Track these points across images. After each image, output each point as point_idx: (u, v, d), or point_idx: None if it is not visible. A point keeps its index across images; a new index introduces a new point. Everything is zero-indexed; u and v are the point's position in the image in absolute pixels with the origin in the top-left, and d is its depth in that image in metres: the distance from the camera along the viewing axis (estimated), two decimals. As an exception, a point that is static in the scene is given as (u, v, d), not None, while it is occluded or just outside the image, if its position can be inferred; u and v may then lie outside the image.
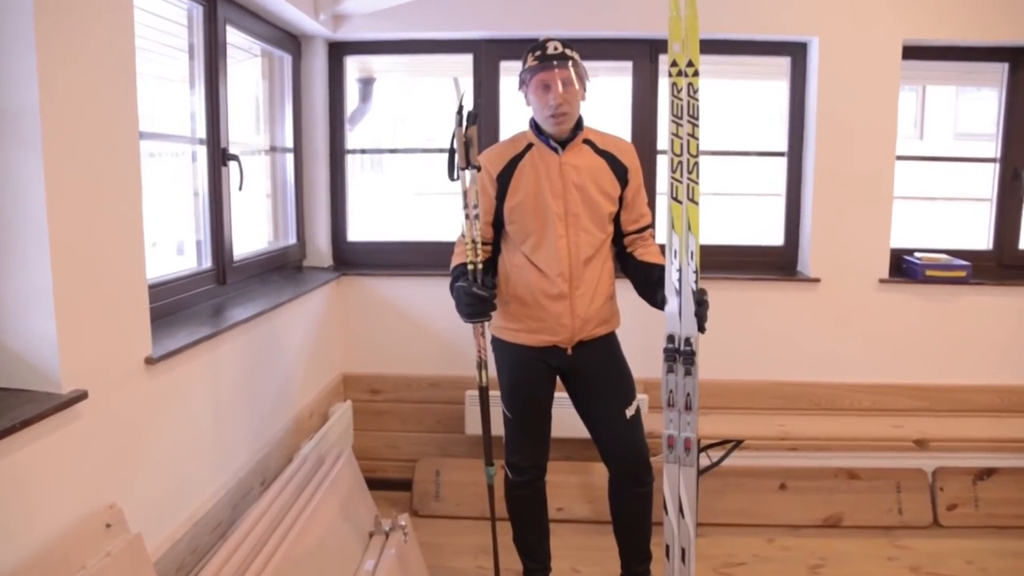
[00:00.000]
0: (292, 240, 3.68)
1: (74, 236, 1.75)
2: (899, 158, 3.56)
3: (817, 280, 3.61)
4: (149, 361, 2.03)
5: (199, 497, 2.33)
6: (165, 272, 2.61)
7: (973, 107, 8.94)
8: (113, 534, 1.73)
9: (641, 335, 2.94)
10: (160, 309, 2.40)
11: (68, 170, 1.72)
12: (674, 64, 2.30)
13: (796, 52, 3.63)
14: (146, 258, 2.06)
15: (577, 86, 2.47)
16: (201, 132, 2.79)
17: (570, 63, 2.44)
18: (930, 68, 3.74)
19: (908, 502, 3.49)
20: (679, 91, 2.31)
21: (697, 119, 2.31)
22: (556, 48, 2.46)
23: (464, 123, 2.31)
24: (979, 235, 3.89)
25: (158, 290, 2.41)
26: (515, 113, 3.52)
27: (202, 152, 2.80)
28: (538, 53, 2.47)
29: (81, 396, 1.70)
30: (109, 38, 1.89)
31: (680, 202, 2.33)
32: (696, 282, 2.34)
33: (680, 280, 2.36)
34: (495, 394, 2.64)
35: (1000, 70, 3.72)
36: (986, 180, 3.88)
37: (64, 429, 1.68)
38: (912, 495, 3.50)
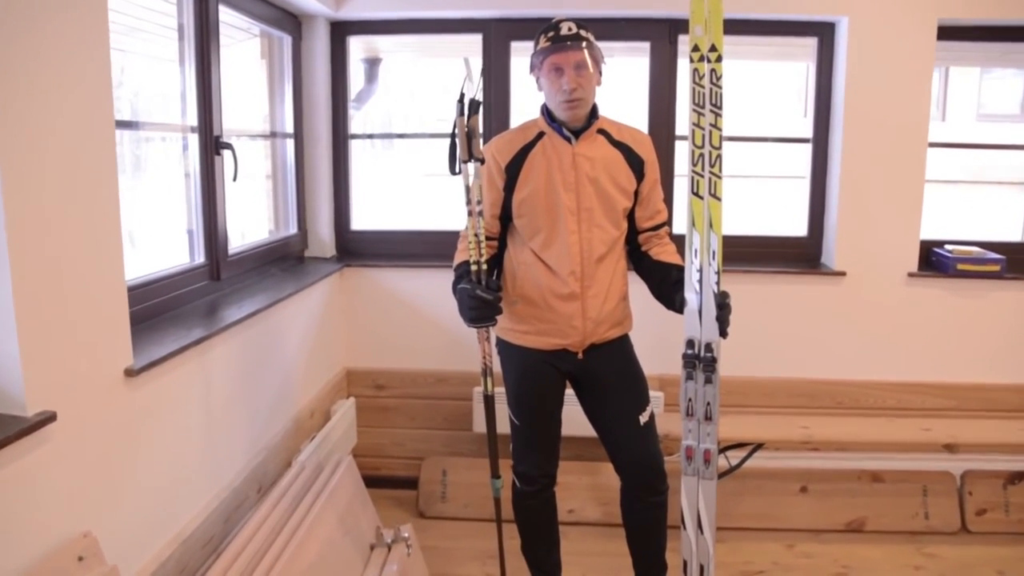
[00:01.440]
0: (293, 230, 3.52)
1: (37, 239, 1.60)
2: (931, 145, 3.36)
3: (843, 273, 3.43)
4: (129, 373, 1.88)
5: (188, 512, 2.20)
6: (158, 268, 2.47)
7: (996, 87, 8.73)
8: (86, 567, 1.60)
9: (657, 329, 2.79)
10: (146, 311, 2.26)
11: (29, 165, 1.57)
12: (696, 49, 2.13)
13: (824, 32, 3.43)
14: (123, 258, 1.92)
15: (592, 70, 2.30)
16: (192, 119, 2.63)
17: (584, 45, 2.27)
18: (958, 48, 3.53)
19: (935, 506, 3.34)
20: (701, 78, 2.14)
21: (720, 108, 2.14)
22: (570, 29, 2.28)
23: (466, 112, 2.14)
24: (1008, 220, 3.71)
25: (144, 291, 2.27)
26: (527, 97, 3.36)
27: (194, 140, 2.65)
28: (550, 34, 2.29)
29: (49, 418, 1.56)
30: (77, 15, 1.72)
31: (701, 198, 2.17)
32: (718, 283, 2.18)
33: (700, 281, 2.21)
34: (500, 390, 2.49)
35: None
36: (1013, 162, 3.70)
37: (30, 455, 1.54)
38: (939, 499, 3.35)
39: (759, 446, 3.22)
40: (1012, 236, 3.64)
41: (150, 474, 2.03)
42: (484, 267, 2.26)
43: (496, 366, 2.47)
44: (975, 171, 7.57)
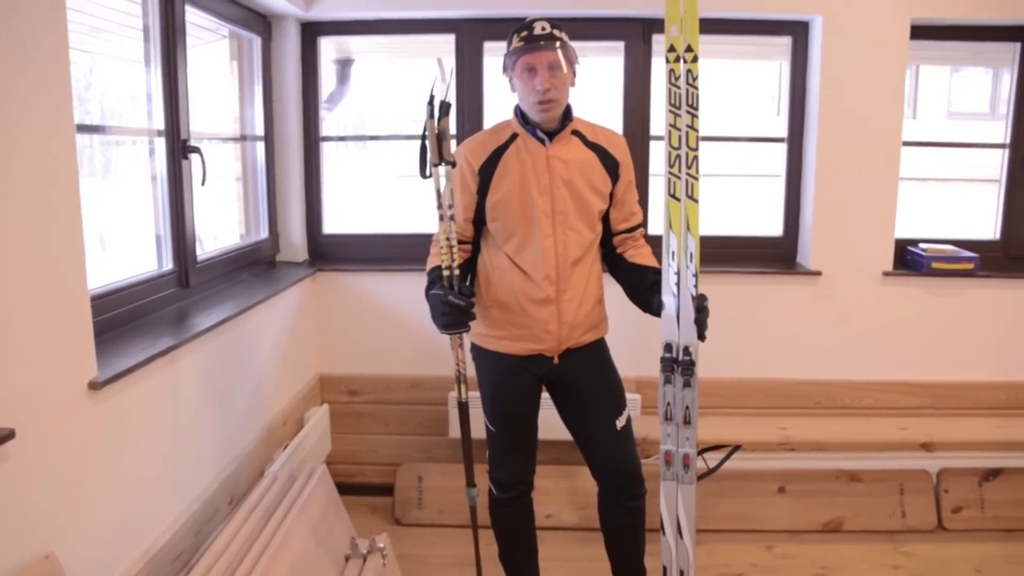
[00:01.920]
0: (264, 234, 3.46)
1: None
2: (905, 144, 3.37)
3: (818, 273, 3.43)
4: (93, 386, 1.82)
5: (157, 527, 2.14)
6: (126, 274, 2.41)
7: (965, 85, 8.81)
8: (46, 589, 1.54)
9: (634, 331, 2.78)
10: (111, 321, 2.20)
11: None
12: (671, 49, 2.10)
13: (798, 31, 3.42)
14: (86, 267, 1.84)
15: (566, 70, 2.26)
16: (159, 123, 2.57)
17: (558, 45, 2.23)
18: (931, 47, 3.55)
19: (912, 505, 3.34)
20: (677, 78, 2.11)
21: (697, 109, 2.11)
22: (543, 28, 2.24)
23: (436, 114, 2.10)
24: (980, 217, 3.73)
25: (110, 299, 2.21)
26: (500, 98, 3.32)
27: (160, 144, 2.59)
28: (524, 34, 2.25)
29: (7, 436, 1.49)
30: (33, 15, 1.65)
31: (678, 199, 2.14)
32: (695, 286, 2.16)
33: (678, 284, 2.18)
34: (474, 394, 2.44)
35: (1011, 50, 3.53)
36: (982, 160, 3.73)
37: (-13, 474, 1.49)
38: (916, 497, 3.35)
39: (737, 448, 3.22)
40: (985, 234, 3.65)
41: (116, 489, 1.96)
42: (456, 272, 2.22)
43: (470, 371, 2.43)
44: (945, 168, 7.62)
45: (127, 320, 2.31)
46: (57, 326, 1.74)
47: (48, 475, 1.69)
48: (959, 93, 8.88)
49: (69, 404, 1.77)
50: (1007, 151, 3.55)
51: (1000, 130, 3.60)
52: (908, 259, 3.52)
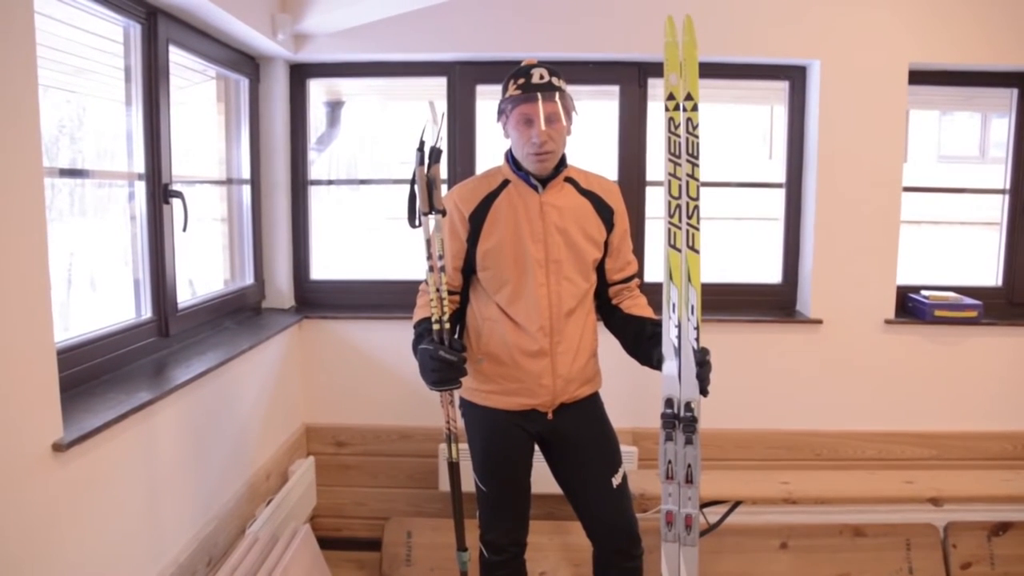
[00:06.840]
0: (249, 280, 3.36)
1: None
2: (906, 189, 3.31)
3: (819, 321, 3.35)
4: (58, 447, 1.70)
5: (127, 596, 2.01)
6: (102, 323, 2.31)
7: (955, 129, 8.87)
8: (-2, 675, 1.41)
9: (629, 380, 2.69)
10: (84, 374, 2.10)
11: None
12: (671, 97, 2.04)
13: (795, 76, 3.38)
14: (52, 319, 1.74)
15: (564, 121, 2.17)
16: (139, 166, 2.48)
17: (557, 95, 2.14)
18: (925, 92, 3.51)
19: (919, 560, 3.23)
20: (676, 127, 2.05)
21: (697, 157, 2.05)
22: (542, 77, 2.15)
23: (426, 161, 2.01)
24: (975, 260, 3.67)
25: (82, 351, 2.11)
26: (494, 142, 3.25)
27: (141, 188, 2.50)
28: (521, 81, 2.16)
29: (-42, 506, 1.39)
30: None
31: (679, 250, 2.07)
32: (697, 339, 2.07)
33: (679, 337, 2.09)
34: (463, 447, 2.33)
35: (1003, 95, 3.50)
36: (973, 203, 3.69)
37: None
38: (923, 552, 3.24)
39: (737, 504, 3.11)
40: (987, 280, 3.58)
41: (83, 557, 1.84)
42: (447, 326, 2.12)
43: (460, 423, 2.32)
44: (937, 211, 7.64)
45: (101, 373, 2.20)
46: (18, 383, 1.63)
47: (6, 543, 1.57)
48: (948, 137, 8.93)
49: (30, 467, 1.65)
50: (1007, 196, 3.49)
51: (991, 174, 3.55)
52: (910, 307, 3.45)
